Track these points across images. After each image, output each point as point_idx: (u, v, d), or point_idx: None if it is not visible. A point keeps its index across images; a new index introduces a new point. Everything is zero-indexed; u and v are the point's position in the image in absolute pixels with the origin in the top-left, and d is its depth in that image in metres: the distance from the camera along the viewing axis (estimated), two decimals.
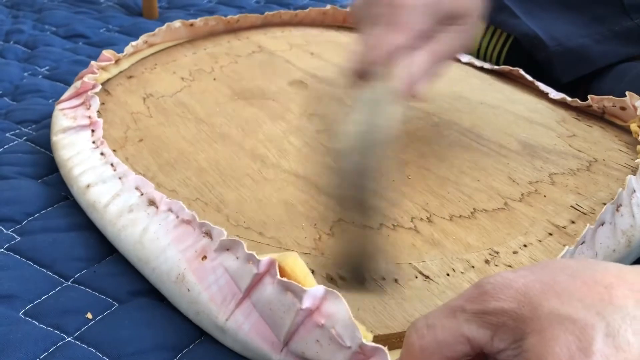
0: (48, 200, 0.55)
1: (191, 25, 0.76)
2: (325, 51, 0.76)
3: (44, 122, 0.68)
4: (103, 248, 0.49)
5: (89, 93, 0.61)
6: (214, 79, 0.69)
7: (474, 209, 0.51)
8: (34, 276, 0.46)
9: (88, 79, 0.63)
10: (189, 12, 1.07)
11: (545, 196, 0.52)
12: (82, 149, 0.54)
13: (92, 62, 0.66)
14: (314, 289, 0.36)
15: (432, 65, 0.48)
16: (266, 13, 0.81)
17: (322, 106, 0.65)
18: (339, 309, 0.35)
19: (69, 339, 0.41)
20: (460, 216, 0.50)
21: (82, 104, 0.60)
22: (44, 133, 0.65)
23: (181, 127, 0.61)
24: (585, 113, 0.66)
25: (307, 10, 0.83)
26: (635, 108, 0.60)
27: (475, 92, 0.69)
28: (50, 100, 0.74)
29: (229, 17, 0.80)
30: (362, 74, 0.47)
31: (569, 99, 0.66)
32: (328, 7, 0.84)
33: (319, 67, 0.73)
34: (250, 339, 0.38)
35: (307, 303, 0.35)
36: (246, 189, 0.52)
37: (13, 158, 0.61)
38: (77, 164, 0.53)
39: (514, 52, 0.82)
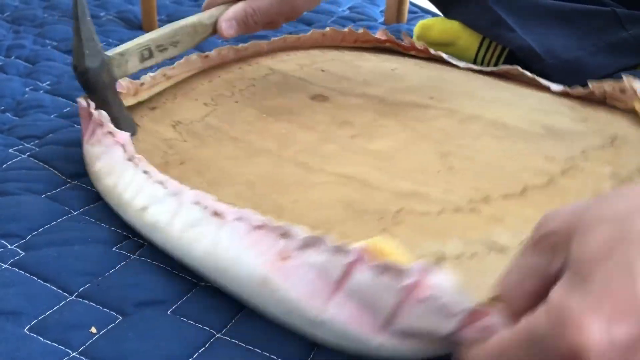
0: (52, 215, 0.55)
1: (206, 56, 0.77)
2: (333, 67, 0.78)
3: (47, 137, 0.69)
4: (106, 261, 0.50)
5: (92, 110, 0.60)
6: (236, 102, 0.70)
7: (523, 187, 0.53)
8: (39, 291, 0.47)
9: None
10: None
11: (583, 169, 0.55)
12: (123, 172, 0.54)
13: None
14: (415, 265, 0.37)
15: (244, 13, 0.65)
16: (272, 38, 0.84)
17: (350, 114, 0.66)
18: (442, 279, 0.36)
19: (74, 354, 0.42)
20: (514, 194, 0.52)
21: (97, 125, 0.59)
22: (47, 149, 0.66)
23: (218, 147, 0.61)
24: (589, 100, 0.68)
25: (309, 32, 0.85)
26: (634, 89, 0.63)
27: (486, 91, 0.71)
28: (53, 116, 0.75)
29: (239, 45, 0.81)
30: None
31: (569, 89, 0.69)
32: (327, 29, 0.85)
33: (333, 81, 0.74)
34: (348, 328, 0.39)
35: (409, 279, 0.37)
36: (300, 194, 0.53)
37: (17, 174, 0.61)
38: (125, 189, 0.53)
39: (509, 64, 0.83)
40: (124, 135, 0.56)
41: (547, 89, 0.71)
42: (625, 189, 0.32)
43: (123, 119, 0.61)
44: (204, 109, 0.68)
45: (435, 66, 0.79)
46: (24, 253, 0.51)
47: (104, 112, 0.59)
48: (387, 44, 0.84)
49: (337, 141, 0.61)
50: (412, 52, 0.83)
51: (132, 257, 0.51)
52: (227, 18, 0.65)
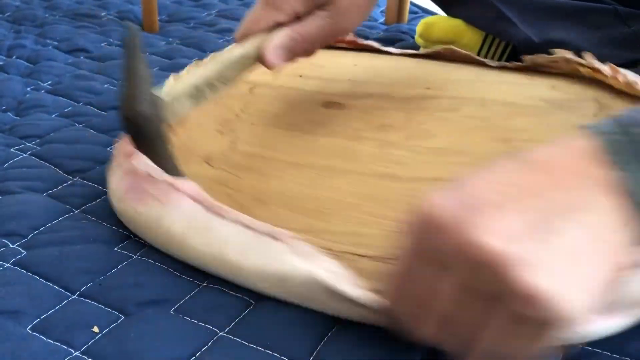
0: (53, 213, 0.55)
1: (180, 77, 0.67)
2: (305, 71, 0.74)
3: (48, 136, 0.69)
4: (108, 260, 0.49)
5: (138, 165, 0.50)
6: (252, 124, 0.65)
7: None
8: (40, 291, 0.46)
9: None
10: (189, 25, 1.08)
11: None
12: (210, 229, 0.46)
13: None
14: None
15: (291, 41, 0.57)
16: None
17: (378, 117, 0.64)
18: None
19: (76, 353, 0.41)
20: None
21: (146, 181, 0.50)
22: (48, 147, 0.66)
23: (284, 175, 0.57)
24: (525, 70, 0.72)
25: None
26: (569, 58, 0.68)
27: (458, 75, 0.72)
28: (54, 115, 0.75)
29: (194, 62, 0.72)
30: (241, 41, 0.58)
31: (507, 63, 0.73)
32: None
33: (324, 85, 0.71)
34: None
35: None
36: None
37: (18, 173, 0.61)
38: (223, 246, 0.46)
39: (512, 61, 0.82)
40: (189, 185, 0.47)
41: (485, 65, 0.73)
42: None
43: (172, 171, 0.51)
44: (223, 138, 0.62)
45: (379, 57, 0.77)
46: (25, 252, 0.51)
47: (154, 166, 0.49)
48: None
49: (400, 146, 0.59)
50: (343, 45, 0.80)
51: (134, 256, 0.50)
52: (273, 46, 0.57)
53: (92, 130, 0.71)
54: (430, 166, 0.56)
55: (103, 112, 0.76)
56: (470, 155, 0.57)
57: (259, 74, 0.72)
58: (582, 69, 0.68)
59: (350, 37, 0.79)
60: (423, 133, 0.61)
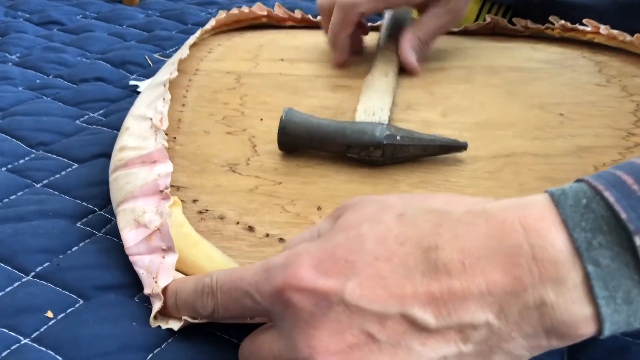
0: (10, 188, 0.50)
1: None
2: (281, 54, 0.66)
3: (12, 109, 0.64)
4: (68, 238, 0.44)
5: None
6: (261, 119, 0.55)
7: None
8: None
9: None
10: None
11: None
12: None
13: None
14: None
15: (418, 43, 0.59)
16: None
17: (405, 95, 0.59)
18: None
19: (25, 341, 0.36)
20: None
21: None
22: (11, 120, 0.61)
23: (340, 172, 0.49)
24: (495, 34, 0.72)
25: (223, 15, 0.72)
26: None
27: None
28: (20, 88, 0.69)
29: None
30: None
31: (469, 25, 0.71)
32: (218, 16, 0.72)
33: (317, 69, 0.63)
34: None
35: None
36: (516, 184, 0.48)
37: None
38: None
39: None
40: None
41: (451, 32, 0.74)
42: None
43: None
44: (237, 139, 0.54)
45: None
46: None
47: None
48: (264, 20, 0.75)
49: (441, 125, 0.53)
50: (289, 23, 0.74)
51: (98, 234, 0.45)
52: (410, 55, 0.59)
53: (60, 103, 0.65)
54: (483, 143, 0.51)
55: (74, 85, 0.70)
56: (516, 126, 0.52)
57: (236, 61, 0.65)
58: (550, 32, 0.69)
59: (297, 14, 0.74)
60: (455, 108, 0.56)
